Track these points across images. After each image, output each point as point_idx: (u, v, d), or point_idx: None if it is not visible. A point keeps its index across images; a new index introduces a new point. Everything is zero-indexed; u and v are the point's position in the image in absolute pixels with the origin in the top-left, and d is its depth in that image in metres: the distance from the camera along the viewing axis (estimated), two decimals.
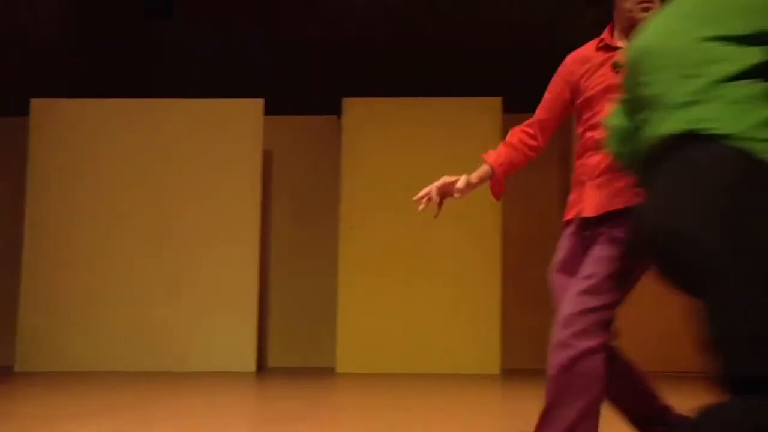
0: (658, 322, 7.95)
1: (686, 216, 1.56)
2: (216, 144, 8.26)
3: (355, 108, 8.45)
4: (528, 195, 8.77)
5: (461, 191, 2.67)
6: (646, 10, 2.45)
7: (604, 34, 2.64)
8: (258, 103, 8.30)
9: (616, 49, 2.56)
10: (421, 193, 2.70)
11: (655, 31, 1.81)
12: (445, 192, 2.69)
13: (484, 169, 2.73)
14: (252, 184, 8.23)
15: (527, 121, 2.78)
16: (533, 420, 2.48)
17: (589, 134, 2.57)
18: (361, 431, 4.29)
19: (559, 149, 8.66)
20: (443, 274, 8.15)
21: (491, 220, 8.15)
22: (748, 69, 1.63)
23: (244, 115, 8.30)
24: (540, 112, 2.75)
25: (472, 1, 9.77)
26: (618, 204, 2.42)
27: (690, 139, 1.63)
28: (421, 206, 2.72)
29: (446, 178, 2.70)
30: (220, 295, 8.03)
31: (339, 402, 6.06)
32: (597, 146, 2.50)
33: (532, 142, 2.74)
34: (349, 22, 9.74)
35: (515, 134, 2.76)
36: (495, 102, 8.38)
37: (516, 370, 8.25)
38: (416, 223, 7.44)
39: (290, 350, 8.82)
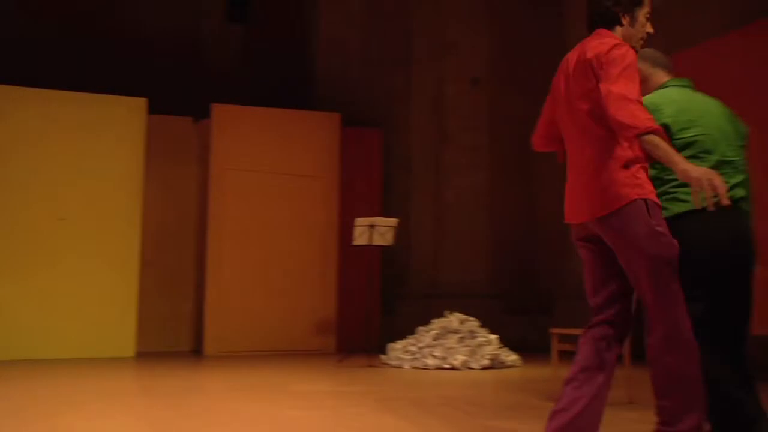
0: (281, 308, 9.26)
1: None
2: (97, 139, 8.53)
3: None
4: (167, 186, 9.43)
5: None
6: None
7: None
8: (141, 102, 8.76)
9: None
10: None
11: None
12: None
13: None
14: (133, 177, 8.67)
15: None
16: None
17: None
18: None
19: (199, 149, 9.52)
20: (74, 262, 8.39)
21: (130, 210, 8.61)
22: None
23: (127, 112, 8.70)
24: None
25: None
26: None
27: None
28: None
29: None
30: (99, 284, 8.36)
31: None
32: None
33: None
34: None
35: None
36: (140, 102, 8.84)
37: (149, 353, 8.78)
38: None
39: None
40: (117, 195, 8.62)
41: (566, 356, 5.25)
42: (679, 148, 2.87)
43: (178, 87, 10.69)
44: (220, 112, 9.41)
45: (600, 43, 2.86)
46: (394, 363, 7.68)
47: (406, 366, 7.56)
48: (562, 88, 2.99)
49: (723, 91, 6.73)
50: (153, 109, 9.01)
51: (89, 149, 8.54)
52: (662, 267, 2.71)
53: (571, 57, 3.01)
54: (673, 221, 2.87)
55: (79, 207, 8.45)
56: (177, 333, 9.47)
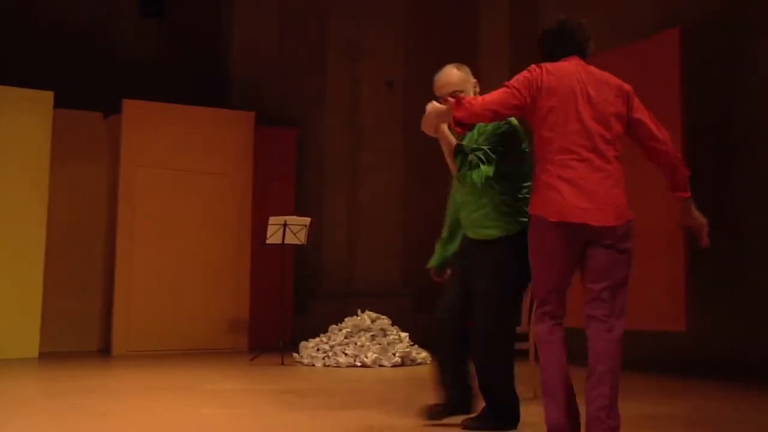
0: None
1: None
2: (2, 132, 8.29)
3: None
4: (75, 182, 9.22)
5: None
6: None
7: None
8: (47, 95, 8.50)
9: None
10: None
11: None
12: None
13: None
14: (39, 172, 8.42)
15: None
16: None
17: None
18: None
19: (110, 149, 9.33)
20: None
21: (35, 206, 8.38)
22: None
23: (32, 105, 8.42)
24: None
25: None
26: None
27: None
28: None
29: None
30: (1, 282, 8.03)
31: None
32: None
33: None
34: None
35: None
36: (45, 95, 8.61)
37: (54, 353, 8.56)
38: None
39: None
40: (21, 190, 8.36)
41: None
42: None
43: (89, 81, 10.43)
44: (131, 108, 9.25)
45: (617, 77, 3.34)
46: (306, 361, 7.73)
47: (318, 364, 7.62)
48: (579, 97, 3.23)
49: None
50: (62, 104, 8.79)
51: None
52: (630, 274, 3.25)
53: (584, 73, 3.28)
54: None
55: None
56: (84, 332, 9.26)
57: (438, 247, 4.09)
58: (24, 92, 8.49)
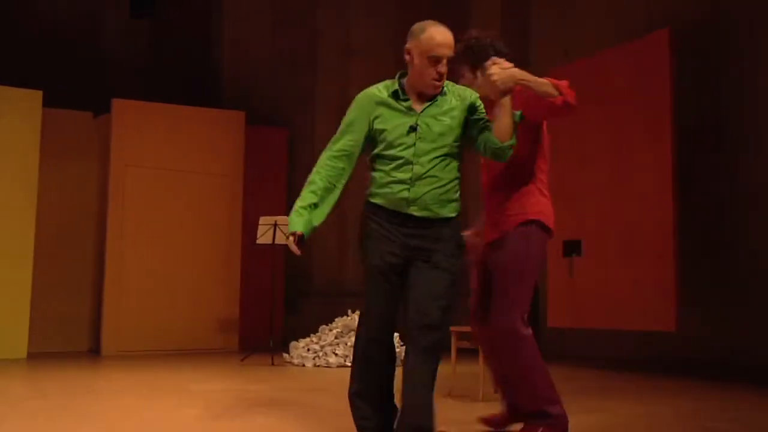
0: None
1: None
2: None
3: None
4: (65, 182, 9.17)
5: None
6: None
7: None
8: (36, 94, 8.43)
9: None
10: None
11: None
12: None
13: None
14: (28, 171, 8.37)
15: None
16: None
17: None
18: None
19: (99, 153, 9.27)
20: None
21: (25, 205, 8.33)
22: None
23: (21, 104, 8.35)
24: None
25: None
26: None
27: None
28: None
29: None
30: None
31: None
32: None
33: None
34: None
35: None
36: (35, 95, 8.55)
37: (43, 353, 8.51)
38: None
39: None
40: (10, 189, 8.31)
41: (464, 353, 5.42)
42: None
43: (79, 81, 10.38)
44: (121, 107, 9.20)
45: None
46: (296, 361, 7.71)
47: (308, 364, 7.60)
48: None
49: (615, 98, 7.10)
50: (52, 103, 8.74)
51: None
52: None
53: None
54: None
55: None
56: (73, 332, 9.21)
57: (305, 213, 3.22)
58: (13, 91, 8.44)
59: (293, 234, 3.13)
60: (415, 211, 3.09)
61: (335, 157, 3.27)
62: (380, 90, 3.24)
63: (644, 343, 7.59)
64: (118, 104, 9.18)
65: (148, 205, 9.17)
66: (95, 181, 9.46)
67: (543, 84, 3.22)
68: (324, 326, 8.14)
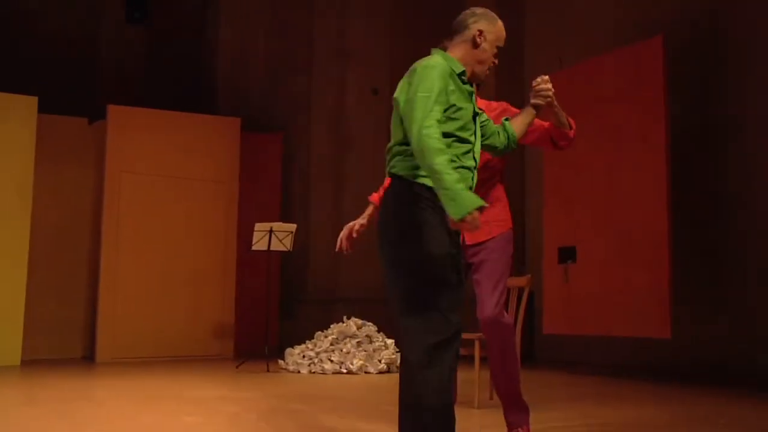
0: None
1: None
2: None
3: None
4: (60, 188, 9.16)
5: (358, 231, 3.73)
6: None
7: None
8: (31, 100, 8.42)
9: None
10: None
11: None
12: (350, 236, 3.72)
13: (369, 209, 3.93)
14: (24, 177, 8.32)
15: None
16: None
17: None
18: None
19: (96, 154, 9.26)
20: None
21: (20, 211, 8.32)
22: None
23: (16, 110, 8.34)
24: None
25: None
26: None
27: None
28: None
29: (349, 226, 3.75)
30: None
31: None
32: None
33: None
34: None
35: None
36: (30, 101, 8.54)
37: (37, 360, 8.48)
38: None
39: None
40: (6, 195, 8.29)
41: (461, 359, 5.41)
42: None
43: (74, 87, 10.38)
44: (116, 113, 9.20)
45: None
46: (291, 368, 7.70)
47: (304, 371, 7.59)
48: None
49: (609, 105, 7.12)
50: (47, 109, 8.73)
51: None
52: None
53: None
54: None
55: None
56: (68, 339, 9.19)
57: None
58: (8, 97, 8.44)
59: (480, 208, 2.51)
60: None
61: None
62: (447, 62, 2.83)
63: (640, 348, 7.60)
64: (113, 110, 9.18)
65: (143, 211, 9.16)
66: (90, 187, 9.45)
67: (564, 115, 3.45)
68: (319, 332, 8.13)
